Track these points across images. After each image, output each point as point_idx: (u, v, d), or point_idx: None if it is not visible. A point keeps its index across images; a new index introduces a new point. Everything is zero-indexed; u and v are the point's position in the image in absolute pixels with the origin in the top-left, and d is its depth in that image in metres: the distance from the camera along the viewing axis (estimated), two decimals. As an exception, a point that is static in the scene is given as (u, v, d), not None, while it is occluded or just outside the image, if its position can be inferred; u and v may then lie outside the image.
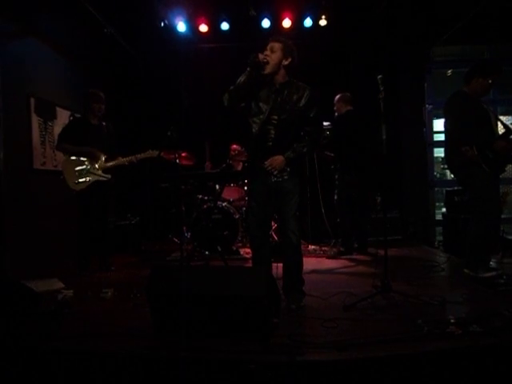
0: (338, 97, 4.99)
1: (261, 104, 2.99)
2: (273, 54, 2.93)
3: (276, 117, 2.95)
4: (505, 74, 6.08)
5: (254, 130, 3.01)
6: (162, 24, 5.79)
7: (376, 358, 2.09)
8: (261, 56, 2.90)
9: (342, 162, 4.90)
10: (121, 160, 4.34)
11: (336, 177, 5.02)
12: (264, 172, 2.98)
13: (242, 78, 2.94)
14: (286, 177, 2.99)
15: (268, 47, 2.97)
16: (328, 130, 5.29)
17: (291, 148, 2.97)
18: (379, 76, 3.12)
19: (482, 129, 3.46)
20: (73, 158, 4.25)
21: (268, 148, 2.97)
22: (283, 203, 3.02)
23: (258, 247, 3.15)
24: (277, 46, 2.94)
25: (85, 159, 4.24)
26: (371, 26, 5.89)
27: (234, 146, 5.67)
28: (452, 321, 2.45)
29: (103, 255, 4.44)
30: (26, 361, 2.29)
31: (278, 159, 2.94)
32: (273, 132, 2.96)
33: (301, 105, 2.95)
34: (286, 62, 2.95)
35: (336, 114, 5.02)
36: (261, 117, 2.97)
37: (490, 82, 3.57)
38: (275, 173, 2.96)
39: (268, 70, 2.92)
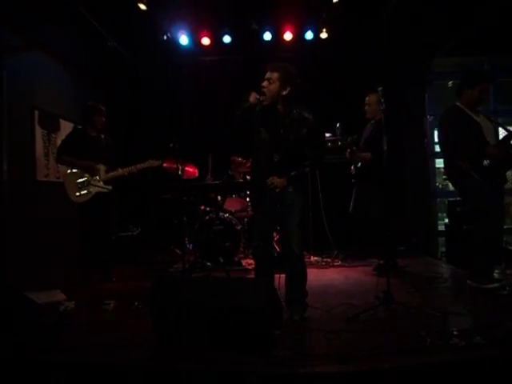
0: (377, 97, 4.37)
1: (264, 132, 3.04)
2: (270, 86, 2.93)
3: (279, 145, 3.01)
4: (505, 85, 6.17)
5: (258, 156, 3.11)
6: (165, 37, 5.86)
7: (378, 369, 2.08)
8: (252, 97, 2.95)
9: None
10: (121, 171, 4.37)
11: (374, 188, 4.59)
12: (267, 187, 3.04)
13: (240, 111, 3.02)
14: (290, 189, 3.05)
15: (266, 77, 2.97)
16: (330, 141, 5.30)
17: (294, 169, 3.05)
18: (380, 88, 3.15)
19: (472, 141, 3.48)
20: (74, 170, 4.28)
21: (272, 171, 3.03)
22: (286, 215, 3.06)
23: (260, 257, 3.18)
24: (274, 75, 2.93)
25: (85, 172, 4.27)
26: (372, 38, 5.95)
27: (238, 159, 5.68)
28: (455, 332, 2.44)
29: (105, 266, 4.45)
30: (28, 373, 2.28)
31: (279, 180, 3.01)
32: (277, 157, 3.02)
33: (303, 132, 2.99)
34: (284, 93, 2.94)
35: (367, 116, 4.70)
36: (265, 145, 3.03)
37: (480, 91, 3.60)
38: (277, 190, 3.02)
39: (267, 101, 2.96)
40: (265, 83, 2.95)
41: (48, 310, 3.01)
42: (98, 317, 3.15)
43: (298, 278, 3.08)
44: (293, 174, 3.02)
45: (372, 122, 4.68)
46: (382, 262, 4.53)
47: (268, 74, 2.96)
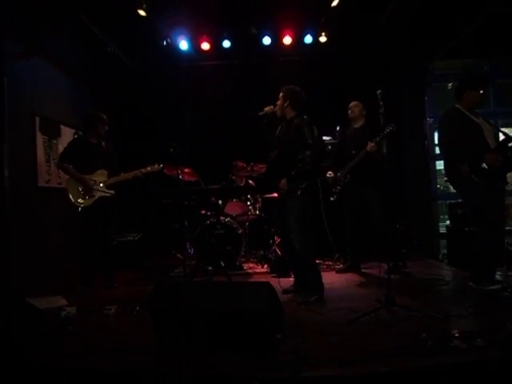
0: (362, 105, 4.76)
1: (274, 136, 3.85)
2: (279, 101, 3.77)
3: (278, 146, 3.77)
4: (504, 87, 6.18)
5: (270, 156, 3.87)
6: (165, 42, 5.89)
7: (380, 372, 2.08)
8: (267, 108, 3.80)
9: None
10: (125, 175, 4.38)
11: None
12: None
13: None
14: (298, 192, 3.56)
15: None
16: (330, 144, 5.32)
17: (294, 169, 3.57)
18: (379, 91, 3.16)
19: (472, 143, 3.49)
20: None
21: (278, 169, 3.74)
22: (286, 216, 3.64)
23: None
24: (280, 95, 3.77)
25: (88, 177, 4.28)
26: (371, 41, 5.96)
27: (239, 163, 5.69)
28: (456, 335, 2.43)
29: (106, 271, 4.45)
30: (30, 379, 2.29)
31: (282, 182, 3.63)
32: (274, 157, 3.80)
33: (296, 134, 3.61)
34: (285, 105, 3.74)
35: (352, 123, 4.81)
36: (273, 145, 3.82)
37: (482, 93, 3.62)
38: (283, 192, 3.67)
39: (278, 114, 3.79)
40: (278, 101, 3.79)
41: (50, 315, 3.01)
42: (100, 322, 3.15)
43: (299, 269, 3.82)
44: (291, 174, 3.56)
45: (356, 127, 4.78)
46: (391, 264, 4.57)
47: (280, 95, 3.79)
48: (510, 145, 3.53)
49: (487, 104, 5.95)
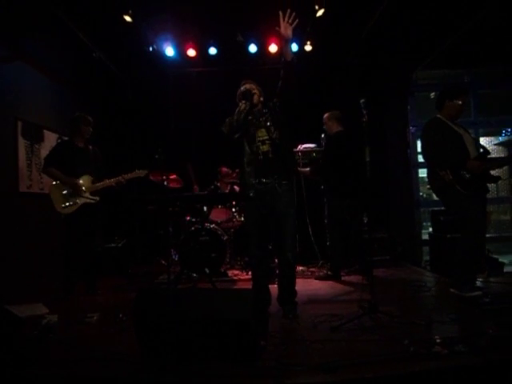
0: (328, 115, 4.80)
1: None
2: (256, 94, 3.47)
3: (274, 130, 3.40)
4: (484, 97, 6.32)
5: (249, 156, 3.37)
6: (151, 48, 5.88)
7: (363, 379, 2.09)
8: (251, 88, 3.45)
9: (332, 184, 4.77)
10: (108, 181, 4.34)
11: (325, 200, 5.01)
12: (260, 193, 3.27)
13: (241, 108, 3.34)
14: (281, 188, 3.26)
15: (248, 86, 3.50)
16: (314, 151, 5.37)
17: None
18: (362, 100, 3.21)
19: (454, 152, 3.57)
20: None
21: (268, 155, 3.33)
22: (281, 223, 3.28)
23: (257, 267, 3.43)
24: (255, 87, 3.52)
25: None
26: (355, 51, 6.06)
27: (224, 169, 5.69)
28: (438, 341, 2.46)
29: (90, 278, 4.39)
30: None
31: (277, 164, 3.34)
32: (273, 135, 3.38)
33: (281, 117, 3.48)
34: (261, 99, 3.52)
35: (326, 132, 4.90)
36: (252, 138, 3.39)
37: (461, 103, 3.71)
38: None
39: (255, 101, 3.42)
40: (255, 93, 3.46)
41: (30, 323, 2.95)
42: (82, 330, 3.11)
43: (290, 282, 3.39)
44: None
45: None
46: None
47: (250, 85, 3.53)
48: (488, 157, 3.64)
49: (468, 114, 6.07)
